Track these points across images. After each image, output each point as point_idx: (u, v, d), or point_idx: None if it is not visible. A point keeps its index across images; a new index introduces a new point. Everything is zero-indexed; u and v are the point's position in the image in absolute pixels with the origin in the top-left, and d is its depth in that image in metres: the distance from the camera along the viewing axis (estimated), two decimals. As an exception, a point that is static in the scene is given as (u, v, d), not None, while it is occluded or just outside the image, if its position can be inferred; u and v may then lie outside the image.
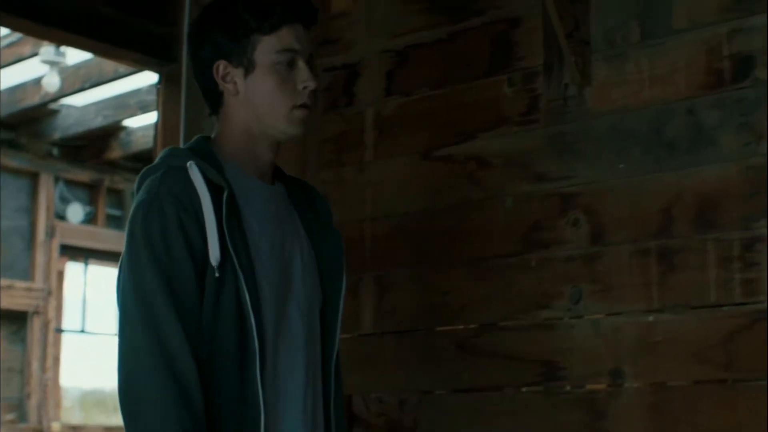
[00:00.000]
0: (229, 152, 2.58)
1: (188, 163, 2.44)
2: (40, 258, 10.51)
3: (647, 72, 3.25)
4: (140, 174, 2.53)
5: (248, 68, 2.55)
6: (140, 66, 4.69)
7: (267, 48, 2.53)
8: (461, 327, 3.55)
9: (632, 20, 3.30)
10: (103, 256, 11.12)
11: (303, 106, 2.57)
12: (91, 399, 12.45)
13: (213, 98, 2.62)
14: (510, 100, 3.52)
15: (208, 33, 2.57)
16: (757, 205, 2.99)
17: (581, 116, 3.36)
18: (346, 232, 3.75)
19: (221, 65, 2.56)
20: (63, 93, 8.81)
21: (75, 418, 11.69)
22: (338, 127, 3.98)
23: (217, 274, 2.37)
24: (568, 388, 3.30)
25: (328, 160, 3.99)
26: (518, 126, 3.49)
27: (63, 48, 7.99)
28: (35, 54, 8.27)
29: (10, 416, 10.14)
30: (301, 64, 2.56)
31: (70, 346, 11.15)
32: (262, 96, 2.55)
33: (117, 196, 11.40)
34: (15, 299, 10.15)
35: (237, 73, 2.56)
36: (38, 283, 10.46)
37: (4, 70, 8.45)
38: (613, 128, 3.30)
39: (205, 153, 2.54)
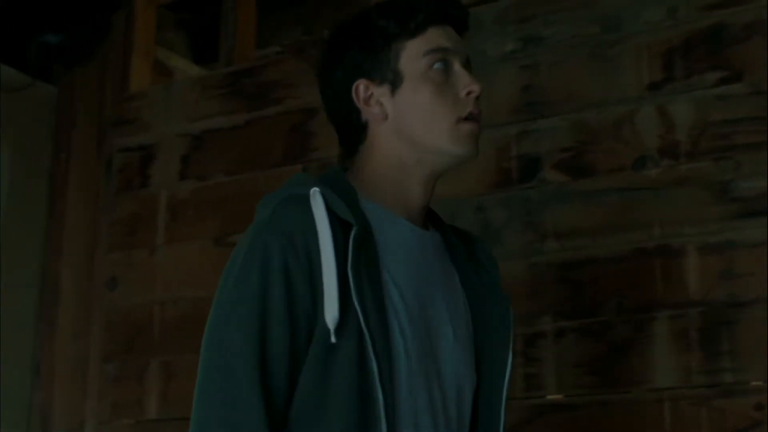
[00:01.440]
0: (373, 189, 1.98)
1: (312, 190, 1.86)
2: None
3: (439, 168, 3.31)
4: (260, 202, 2.04)
5: (395, 83, 1.97)
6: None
7: (414, 53, 1.97)
8: (248, 415, 3.51)
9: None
10: None
11: (470, 117, 1.99)
12: None
13: (354, 134, 2.04)
14: (304, 189, 3.53)
15: (340, 53, 2.05)
16: (540, 303, 3.06)
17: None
18: (134, 316, 3.70)
19: (361, 86, 1.99)
20: None
21: None
22: (131, 209, 3.92)
23: (333, 340, 1.76)
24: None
25: (119, 242, 3.92)
26: (311, 215, 3.50)
27: None
28: None
29: None
30: (458, 66, 1.99)
31: None
32: (416, 112, 1.97)
33: None
34: None
35: (382, 93, 1.98)
36: None
37: None
38: (404, 221, 3.33)
39: (340, 183, 1.95)
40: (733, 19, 2.97)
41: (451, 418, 1.93)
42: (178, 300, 3.74)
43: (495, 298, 2.09)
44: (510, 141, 3.20)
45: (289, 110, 3.64)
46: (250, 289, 1.80)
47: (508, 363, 2.01)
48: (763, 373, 2.74)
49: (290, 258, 1.79)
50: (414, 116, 1.97)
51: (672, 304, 2.88)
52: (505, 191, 3.20)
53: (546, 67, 3.21)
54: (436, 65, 1.97)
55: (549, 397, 3.03)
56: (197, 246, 3.74)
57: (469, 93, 1.98)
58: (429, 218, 2.09)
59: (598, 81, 3.12)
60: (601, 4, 3.17)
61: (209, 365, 1.85)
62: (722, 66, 2.96)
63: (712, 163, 2.90)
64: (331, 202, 1.84)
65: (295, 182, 1.98)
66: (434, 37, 1.99)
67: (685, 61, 3.00)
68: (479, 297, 2.08)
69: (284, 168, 3.60)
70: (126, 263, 3.88)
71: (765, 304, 2.76)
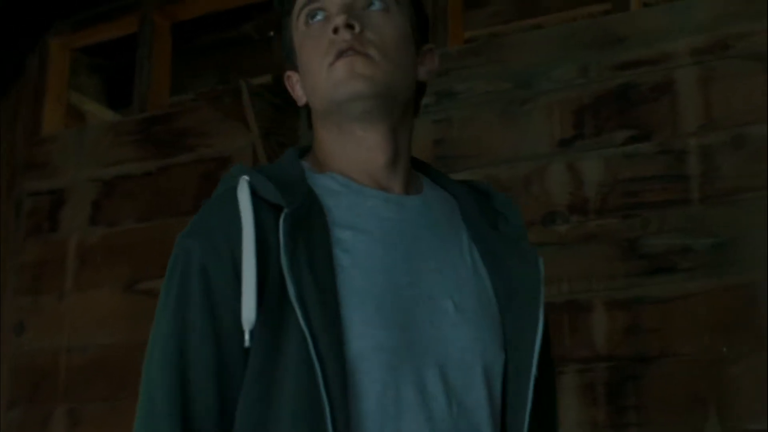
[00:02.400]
0: (329, 162, 1.73)
1: (240, 179, 1.63)
2: None
3: (351, 219, 3.33)
4: None
5: (293, 60, 1.77)
6: None
7: (295, 22, 1.75)
8: (154, 464, 3.47)
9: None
10: None
11: (340, 54, 1.65)
12: None
13: (307, 119, 1.82)
14: (215, 237, 3.52)
15: None
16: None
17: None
18: (40, 362, 3.65)
19: (287, 79, 1.81)
20: None
21: None
22: (39, 253, 3.88)
23: (246, 344, 1.52)
24: None
25: (26, 287, 3.87)
26: (222, 264, 3.49)
27: None
28: None
29: None
30: (333, 8, 1.69)
31: None
32: (304, 79, 1.73)
33: None
34: None
35: (297, 76, 1.77)
36: None
37: None
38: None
39: (286, 164, 1.73)
40: (642, 79, 3.02)
41: (464, 407, 1.60)
42: (85, 347, 3.69)
43: (519, 255, 1.74)
44: (417, 194, 3.22)
45: (202, 158, 3.63)
46: (169, 305, 1.62)
47: (538, 331, 1.64)
48: (669, 427, 2.77)
49: (210, 260, 1.58)
50: (305, 83, 1.73)
51: (579, 358, 2.91)
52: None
53: (458, 122, 3.25)
54: (311, 20, 1.71)
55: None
56: (106, 292, 3.70)
57: (334, 29, 1.65)
58: (419, 178, 1.79)
59: (510, 137, 3.16)
60: (513, 62, 3.21)
61: (139, 399, 1.67)
62: (631, 125, 3.01)
63: (621, 220, 2.95)
64: (259, 187, 1.61)
65: (226, 177, 1.71)
66: None
67: (595, 119, 3.05)
68: (499, 257, 1.73)
69: (194, 215, 3.58)
70: (33, 308, 3.83)
71: (670, 359, 2.80)
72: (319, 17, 1.70)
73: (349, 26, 1.64)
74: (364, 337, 1.54)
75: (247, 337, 1.51)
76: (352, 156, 1.69)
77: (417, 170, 1.80)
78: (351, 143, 1.69)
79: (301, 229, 1.57)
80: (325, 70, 1.65)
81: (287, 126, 3.44)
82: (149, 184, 3.73)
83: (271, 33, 3.78)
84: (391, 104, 1.67)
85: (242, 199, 1.59)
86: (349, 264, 1.58)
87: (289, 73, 1.78)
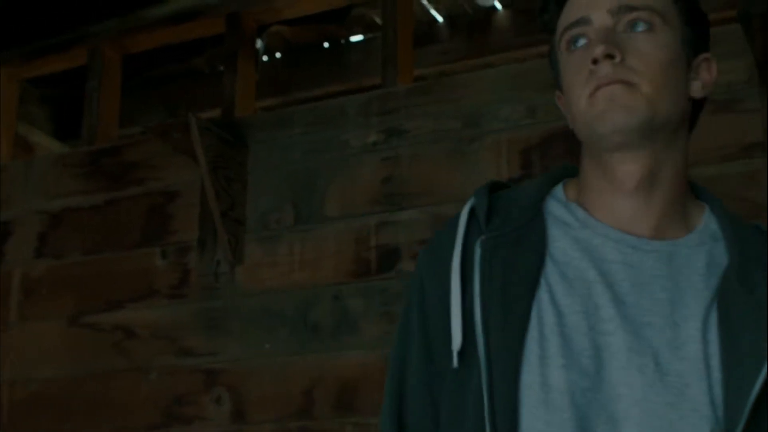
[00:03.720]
0: (581, 188, 1.64)
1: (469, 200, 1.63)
2: None
3: (298, 255, 3.33)
4: None
5: (560, 81, 1.68)
6: None
7: (558, 41, 1.66)
8: (97, 500, 3.45)
9: (287, 204, 3.39)
10: None
11: (599, 86, 1.54)
12: None
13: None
14: (161, 272, 3.52)
15: None
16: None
17: (231, 294, 3.39)
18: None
19: (559, 98, 1.72)
20: None
21: None
22: (-17, 285, 3.84)
23: (454, 364, 1.51)
24: None
25: (-31, 319, 3.83)
26: (168, 299, 3.48)
27: None
28: None
29: None
30: (593, 34, 1.59)
31: None
32: (567, 101, 1.63)
33: None
34: None
35: (563, 96, 1.67)
36: None
37: None
38: (261, 308, 3.34)
39: (535, 186, 1.66)
40: (590, 120, 3.04)
41: None
42: (28, 380, 3.66)
43: (753, 316, 1.51)
44: (370, 231, 3.23)
45: (150, 191, 3.62)
46: (401, 313, 1.66)
47: (755, 388, 1.44)
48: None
49: (427, 276, 1.60)
50: (568, 109, 1.63)
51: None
52: (363, 281, 3.22)
53: (407, 160, 3.26)
54: (573, 46, 1.62)
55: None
56: (50, 325, 3.67)
57: (594, 60, 1.55)
58: (695, 217, 1.65)
59: (458, 175, 3.17)
60: (462, 101, 3.23)
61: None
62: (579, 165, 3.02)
63: (566, 259, 2.96)
64: (477, 210, 1.59)
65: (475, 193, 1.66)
66: (574, 6, 1.63)
67: (542, 158, 3.07)
68: (735, 317, 1.52)
69: (142, 249, 3.57)
70: (-24, 340, 3.79)
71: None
72: (581, 43, 1.60)
73: (609, 56, 1.54)
74: (533, 372, 1.47)
75: (455, 359, 1.50)
76: (600, 188, 1.60)
77: (713, 209, 1.64)
78: (603, 174, 1.59)
79: (503, 255, 1.53)
80: (585, 102, 1.56)
81: (236, 160, 3.44)
82: (96, 216, 3.70)
83: (221, 67, 3.78)
84: (657, 133, 1.56)
85: (461, 221, 1.59)
86: (547, 299, 1.51)
87: (558, 93, 1.70)
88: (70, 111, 4.36)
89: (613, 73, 1.53)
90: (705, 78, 1.65)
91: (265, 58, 4.50)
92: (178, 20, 3.87)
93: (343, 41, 4.46)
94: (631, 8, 1.58)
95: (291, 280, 3.32)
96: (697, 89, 1.63)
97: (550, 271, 1.53)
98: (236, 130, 3.50)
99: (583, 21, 1.59)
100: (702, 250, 1.58)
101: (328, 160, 3.36)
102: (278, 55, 4.55)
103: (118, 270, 3.60)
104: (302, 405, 3.21)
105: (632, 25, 1.58)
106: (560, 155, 3.06)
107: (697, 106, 1.66)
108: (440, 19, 4.31)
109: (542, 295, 1.51)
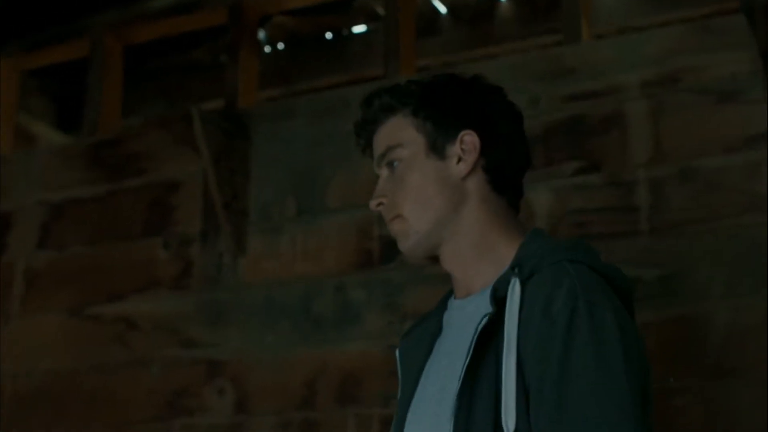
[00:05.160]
0: None
1: None
2: None
3: (300, 247, 3.33)
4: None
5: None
6: None
7: None
8: (99, 492, 3.45)
9: (290, 195, 3.38)
10: None
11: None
12: None
13: None
14: (163, 263, 3.51)
15: None
16: (395, 384, 3.06)
17: (234, 285, 3.39)
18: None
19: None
20: None
21: None
22: (-15, 277, 3.84)
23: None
24: None
25: (-30, 312, 3.82)
26: (170, 290, 3.48)
27: None
28: None
29: None
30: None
31: None
32: None
33: None
34: None
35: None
36: None
37: None
38: (264, 299, 3.33)
39: None
40: (592, 111, 3.04)
41: None
42: (31, 372, 3.65)
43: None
44: (372, 222, 3.22)
45: (151, 183, 3.62)
46: None
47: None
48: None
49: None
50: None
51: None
52: (366, 272, 3.21)
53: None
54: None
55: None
56: (52, 317, 3.67)
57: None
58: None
59: (461, 166, 3.16)
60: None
61: None
62: (581, 156, 3.02)
63: (569, 250, 2.95)
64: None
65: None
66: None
67: (545, 150, 3.06)
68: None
69: (144, 241, 3.57)
70: (-22, 333, 3.78)
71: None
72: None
73: (379, 205, 1.99)
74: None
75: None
76: None
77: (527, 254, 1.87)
78: None
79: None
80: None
81: (238, 152, 3.43)
82: (98, 208, 3.70)
83: (223, 58, 3.77)
84: (435, 240, 1.94)
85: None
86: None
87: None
88: (71, 102, 4.35)
89: (388, 216, 1.97)
90: (466, 156, 1.93)
91: (267, 49, 4.50)
92: (179, 11, 3.86)
93: (345, 32, 4.45)
94: (382, 155, 1.99)
95: (293, 271, 3.32)
96: (462, 169, 1.94)
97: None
98: (239, 121, 3.49)
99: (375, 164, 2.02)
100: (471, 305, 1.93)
101: (330, 151, 3.35)
102: (281, 46, 4.54)
103: (120, 261, 3.60)
104: (305, 396, 3.21)
105: (389, 164, 1.98)
106: (562, 145, 3.05)
107: (493, 169, 1.95)
108: (443, 9, 4.30)
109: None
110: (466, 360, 1.76)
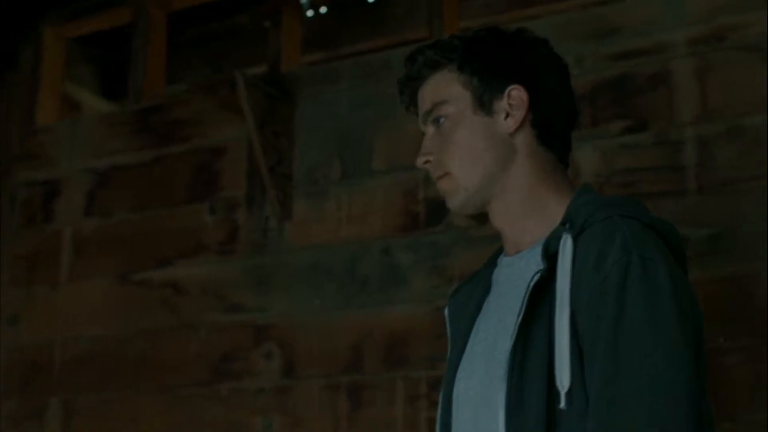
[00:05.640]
0: None
1: None
2: None
3: (346, 210, 3.33)
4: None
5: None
6: None
7: None
8: (150, 455, 3.48)
9: (334, 159, 3.38)
10: None
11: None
12: None
13: None
14: (210, 228, 3.53)
15: None
16: (443, 346, 3.07)
17: (280, 250, 3.40)
18: (33, 353, 3.64)
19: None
20: None
21: None
22: (34, 244, 3.87)
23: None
24: None
25: (20, 278, 3.86)
26: (217, 255, 3.49)
27: None
28: None
29: None
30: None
31: None
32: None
33: None
34: None
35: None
36: None
37: None
38: (310, 263, 3.34)
39: None
40: (638, 69, 3.02)
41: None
42: (79, 338, 3.69)
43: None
44: (418, 184, 3.22)
45: (197, 148, 3.63)
46: None
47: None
48: None
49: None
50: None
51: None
52: (411, 235, 3.21)
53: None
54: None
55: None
56: (100, 283, 3.69)
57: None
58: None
59: (507, 127, 3.14)
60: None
61: None
62: (627, 115, 3.00)
63: (616, 210, 2.93)
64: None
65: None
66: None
67: (591, 109, 3.04)
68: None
69: (189, 206, 3.58)
70: (27, 299, 3.82)
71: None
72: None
73: (426, 163, 1.98)
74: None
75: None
76: None
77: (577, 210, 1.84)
78: None
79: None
80: None
81: (282, 116, 3.43)
82: (144, 174, 3.72)
83: (266, 24, 3.76)
84: (484, 197, 1.93)
85: None
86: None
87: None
88: (116, 70, 4.36)
89: (435, 174, 1.96)
90: (514, 111, 1.91)
91: (310, 13, 4.48)
92: (223, -24, 3.87)
93: (387, -6, 4.43)
94: (427, 112, 1.96)
95: (339, 234, 3.32)
96: (510, 125, 1.92)
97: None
98: (282, 85, 3.49)
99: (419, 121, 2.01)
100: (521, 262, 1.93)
101: (374, 113, 3.35)
102: (323, 9, 4.52)
103: (166, 227, 3.62)
104: (351, 359, 3.22)
105: (435, 121, 1.96)
106: (608, 104, 3.03)
107: (541, 123, 1.93)
108: (486, -30, 4.27)
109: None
110: (518, 318, 1.75)
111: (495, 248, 2.03)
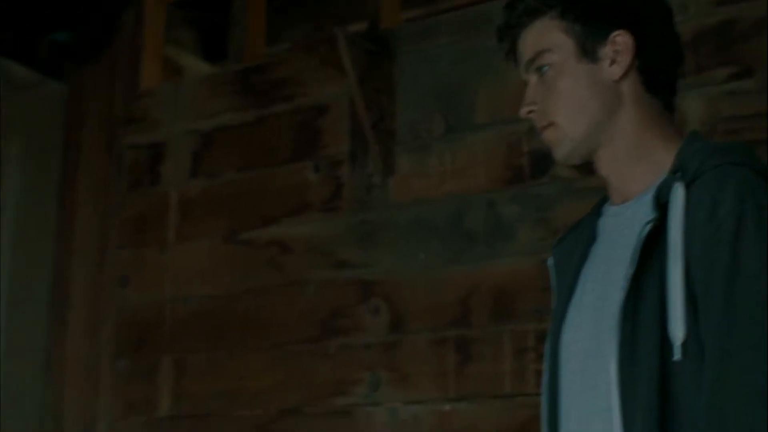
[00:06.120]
0: None
1: None
2: None
3: (449, 165, 3.32)
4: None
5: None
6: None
7: None
8: (260, 412, 3.52)
9: (436, 113, 3.37)
10: None
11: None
12: None
13: None
14: (314, 186, 3.55)
15: None
16: (549, 299, 3.06)
17: (384, 205, 3.40)
18: (144, 314, 3.71)
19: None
20: None
21: None
22: (141, 207, 3.93)
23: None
24: (364, 475, 3.30)
25: (129, 240, 3.92)
26: (321, 213, 3.52)
27: None
28: None
29: None
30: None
31: None
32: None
33: None
34: None
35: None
36: None
37: None
38: (414, 218, 3.34)
39: None
40: (743, 14, 2.96)
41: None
42: (188, 297, 3.74)
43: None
44: (521, 137, 3.20)
45: (299, 107, 3.64)
46: None
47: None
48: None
49: None
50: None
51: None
52: (516, 187, 3.20)
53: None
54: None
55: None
56: (208, 243, 3.74)
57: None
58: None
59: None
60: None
61: None
62: (732, 62, 2.95)
63: (724, 158, 2.89)
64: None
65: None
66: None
67: (695, 56, 2.99)
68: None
69: (293, 165, 3.60)
70: (136, 261, 3.88)
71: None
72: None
73: (530, 113, 1.96)
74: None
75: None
76: None
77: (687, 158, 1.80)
78: None
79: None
80: None
81: (383, 72, 3.43)
82: (247, 134, 3.75)
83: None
84: (591, 146, 1.91)
85: None
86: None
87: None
88: (216, 32, 4.39)
89: (537, 121, 1.95)
90: (620, 57, 1.88)
91: (409, -32, 4.47)
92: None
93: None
94: (530, 61, 1.94)
95: (443, 189, 3.32)
96: (615, 71, 1.88)
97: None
98: (383, 41, 3.49)
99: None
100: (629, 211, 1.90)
101: (475, 67, 3.33)
102: (422, -36, 4.50)
103: (271, 186, 3.65)
104: (458, 314, 3.22)
105: (539, 69, 1.93)
106: (712, 51, 2.98)
107: (647, 69, 1.90)
108: None
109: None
110: (630, 269, 1.72)
111: (599, 199, 2.02)
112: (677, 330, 1.65)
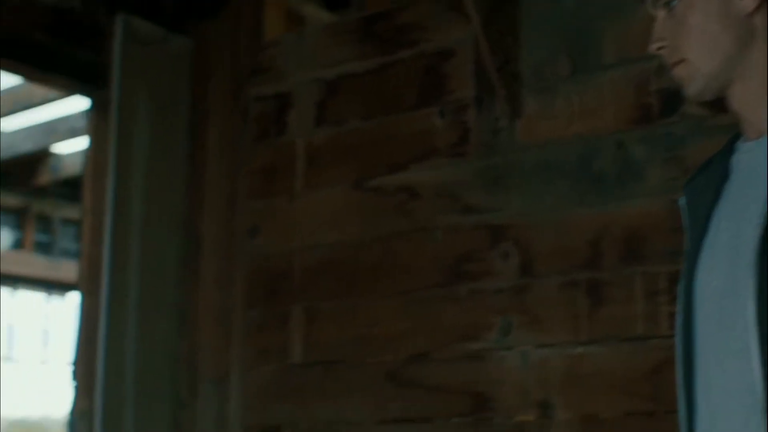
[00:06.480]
0: None
1: None
2: (-35, 285, 10.35)
3: (576, 106, 3.28)
4: None
5: None
6: (70, 91, 4.65)
7: None
8: (390, 358, 3.55)
9: (562, 54, 3.33)
10: (31, 282, 10.97)
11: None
12: (18, 428, 12.26)
13: None
14: (440, 132, 3.54)
15: None
16: (682, 240, 3.01)
17: (511, 149, 3.38)
18: (275, 263, 3.75)
19: None
20: (-8, 117, 8.70)
21: (0, 447, 11.52)
22: (269, 157, 3.97)
23: None
24: (497, 419, 3.30)
25: (258, 190, 3.97)
26: (448, 158, 3.51)
27: (-8, 73, 7.87)
28: (-38, 78, 8.16)
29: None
30: None
31: (-5, 375, 11.01)
32: None
33: (45, 222, 11.28)
34: (-61, 326, 10.00)
35: None
36: (-37, 310, 10.31)
37: (-69, 94, 8.32)
38: (542, 161, 3.32)
39: None
40: None
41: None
42: (318, 246, 3.78)
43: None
44: (649, 75, 3.14)
45: (424, 53, 3.63)
46: None
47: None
48: None
49: None
50: None
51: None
52: (645, 127, 3.14)
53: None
54: None
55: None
56: (336, 191, 3.76)
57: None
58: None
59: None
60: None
61: None
62: None
63: None
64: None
65: None
66: None
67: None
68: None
69: (419, 111, 3.60)
70: (266, 211, 3.93)
71: None
72: None
73: (660, 49, 1.95)
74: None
75: None
76: None
77: None
78: None
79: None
80: None
81: (507, 14, 3.39)
82: (372, 82, 3.75)
83: None
84: (724, 81, 1.89)
85: None
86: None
87: None
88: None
89: (667, 58, 1.94)
90: None
91: None
92: None
93: None
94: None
95: (570, 130, 3.28)
96: (748, 4, 1.84)
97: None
98: (504, -17, 3.45)
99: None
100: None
101: (601, 6, 3.27)
102: None
103: (397, 133, 3.65)
104: (589, 256, 3.19)
105: (667, 6, 1.90)
106: None
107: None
108: None
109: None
110: (766, 207, 1.69)
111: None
112: None
